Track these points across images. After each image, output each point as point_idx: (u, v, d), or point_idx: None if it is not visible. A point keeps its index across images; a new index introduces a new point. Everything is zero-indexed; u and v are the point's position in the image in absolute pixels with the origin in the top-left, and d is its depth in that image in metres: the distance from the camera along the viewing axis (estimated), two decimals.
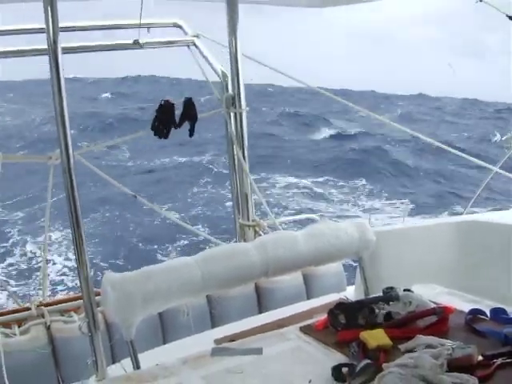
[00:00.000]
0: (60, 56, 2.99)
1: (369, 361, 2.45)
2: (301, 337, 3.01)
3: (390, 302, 3.08)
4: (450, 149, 5.24)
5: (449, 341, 2.59)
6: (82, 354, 4.08)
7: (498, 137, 33.11)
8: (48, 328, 4.43)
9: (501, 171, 5.46)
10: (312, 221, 5.63)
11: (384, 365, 2.40)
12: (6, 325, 4.50)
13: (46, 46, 3.02)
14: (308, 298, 4.93)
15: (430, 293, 3.39)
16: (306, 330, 3.08)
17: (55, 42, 2.97)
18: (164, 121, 4.77)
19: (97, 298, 3.35)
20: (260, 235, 5.22)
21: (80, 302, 4.59)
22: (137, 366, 3.05)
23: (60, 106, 3.03)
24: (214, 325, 4.66)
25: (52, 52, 2.98)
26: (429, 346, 2.54)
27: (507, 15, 4.79)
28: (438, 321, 2.92)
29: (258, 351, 2.86)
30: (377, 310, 2.99)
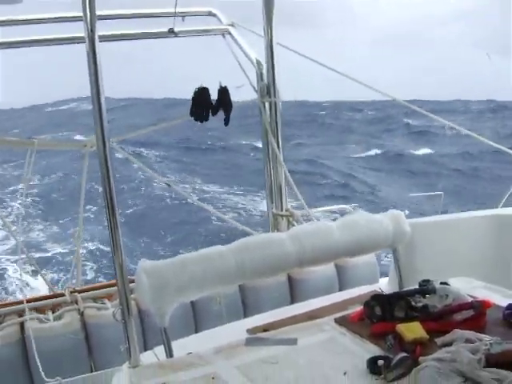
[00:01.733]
0: (97, 44, 2.99)
1: (405, 354, 2.42)
2: (336, 328, 2.99)
3: (427, 295, 3.04)
4: None
5: (486, 336, 2.55)
6: (114, 340, 4.11)
7: None
8: (81, 314, 4.48)
9: None
10: (345, 211, 5.59)
11: (421, 358, 2.38)
12: (40, 310, 4.56)
13: (82, 35, 3.03)
14: (340, 289, 4.90)
15: (467, 286, 3.35)
16: (340, 321, 3.06)
17: (93, 31, 2.97)
18: (201, 104, 4.76)
19: (130, 285, 3.37)
20: (293, 225, 5.20)
21: (112, 289, 4.65)
22: (170, 354, 3.06)
23: (97, 94, 3.04)
24: (246, 314, 4.67)
25: (90, 40, 2.98)
26: (466, 341, 2.51)
27: None
28: (476, 315, 2.87)
29: (293, 342, 2.84)
30: (413, 303, 2.96)
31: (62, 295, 4.67)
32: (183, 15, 5.11)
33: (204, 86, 4.72)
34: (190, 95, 4.74)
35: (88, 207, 16.34)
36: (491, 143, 5.46)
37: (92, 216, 17.26)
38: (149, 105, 55.12)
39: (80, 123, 32.24)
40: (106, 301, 4.67)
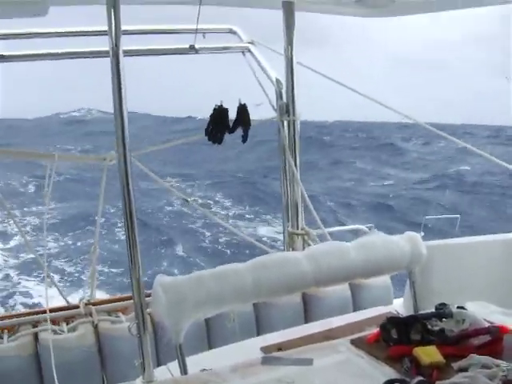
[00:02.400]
0: (121, 58, 3.03)
1: (422, 378, 2.42)
2: (352, 350, 2.99)
3: (443, 319, 3.04)
4: None
5: (503, 361, 2.55)
6: (127, 354, 4.13)
7: None
8: (95, 327, 4.50)
9: None
10: (361, 231, 5.58)
11: (438, 382, 2.38)
12: (55, 322, 4.57)
13: (106, 48, 3.07)
14: (354, 309, 4.89)
15: (484, 311, 3.33)
16: (357, 342, 3.06)
17: (117, 45, 3.01)
18: (218, 126, 4.77)
19: (146, 299, 3.38)
20: (309, 244, 5.20)
21: (127, 302, 4.66)
22: (184, 370, 3.06)
23: (119, 108, 3.07)
24: (259, 332, 4.66)
25: (114, 54, 3.02)
26: (483, 366, 2.50)
27: None
28: (492, 340, 2.86)
29: (309, 362, 2.84)
30: (430, 327, 2.95)
31: (77, 307, 4.69)
32: (204, 32, 5.15)
33: (223, 105, 4.74)
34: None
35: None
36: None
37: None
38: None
39: None
40: (121, 314, 4.68)
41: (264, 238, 17.39)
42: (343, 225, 13.54)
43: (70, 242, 18.18)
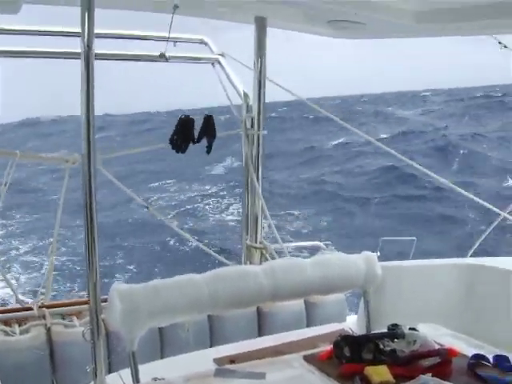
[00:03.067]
0: (93, 61, 3.02)
1: None
2: (304, 366, 3.02)
3: (395, 340, 3.09)
4: None
5: (451, 383, 2.60)
6: (79, 359, 4.09)
7: None
8: (48, 330, 4.43)
9: (509, 216, 5.47)
10: (319, 248, 5.63)
11: None
12: (7, 323, 4.51)
13: (77, 50, 3.06)
14: (308, 325, 4.92)
15: (434, 333, 3.40)
16: (309, 359, 3.09)
17: (89, 47, 3.00)
18: (182, 135, 4.79)
19: (102, 304, 3.36)
20: (266, 258, 5.23)
21: (81, 307, 4.61)
22: (137, 378, 3.05)
23: (87, 111, 3.05)
24: (212, 343, 4.66)
25: (85, 56, 3.01)
26: None
27: None
28: (442, 362, 2.93)
29: (261, 376, 2.87)
30: (382, 346, 3.00)
31: (30, 309, 4.62)
32: (175, 41, 5.15)
33: (189, 115, 4.76)
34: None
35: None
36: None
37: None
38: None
39: None
40: (74, 318, 4.63)
41: None
42: None
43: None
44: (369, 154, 27.99)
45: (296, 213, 21.02)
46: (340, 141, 33.82)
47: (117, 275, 15.00)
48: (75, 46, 3.25)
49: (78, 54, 3.02)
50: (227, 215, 21.67)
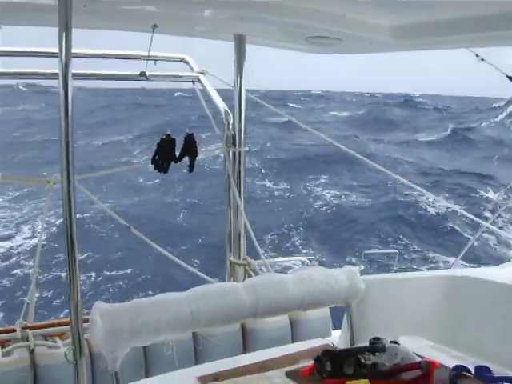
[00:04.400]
0: (70, 81, 3.03)
1: None
2: (286, 382, 3.02)
3: (376, 353, 3.10)
4: None
5: None
6: (63, 380, 4.07)
7: None
8: (31, 352, 4.40)
9: (492, 227, 5.53)
10: (302, 264, 5.65)
11: None
12: None
13: (56, 71, 3.07)
14: (293, 341, 4.91)
15: (416, 345, 3.42)
16: (291, 375, 3.09)
17: (67, 67, 3.02)
18: (164, 155, 4.81)
19: (84, 324, 3.35)
20: (250, 274, 5.24)
21: (65, 327, 4.59)
22: None
23: (66, 130, 3.06)
24: (198, 361, 4.64)
25: (63, 76, 3.02)
26: None
27: (507, 76, 4.90)
28: (423, 375, 2.94)
29: None
30: (363, 360, 3.01)
31: (13, 331, 4.59)
32: (155, 59, 5.17)
33: (170, 134, 4.78)
34: None
35: None
36: None
37: None
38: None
39: None
40: (58, 339, 4.61)
41: None
42: None
43: None
44: None
45: None
46: None
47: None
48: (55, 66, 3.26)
49: (57, 74, 3.05)
50: None
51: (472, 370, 3.07)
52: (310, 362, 3.11)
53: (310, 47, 4.83)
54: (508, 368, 3.11)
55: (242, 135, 5.34)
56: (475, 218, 5.82)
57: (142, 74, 5.25)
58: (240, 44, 5.19)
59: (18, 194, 22.20)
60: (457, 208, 5.86)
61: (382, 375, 2.93)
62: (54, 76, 3.40)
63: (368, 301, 4.14)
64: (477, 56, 4.75)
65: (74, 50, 3.07)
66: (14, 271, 14.87)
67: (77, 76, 3.26)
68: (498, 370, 3.06)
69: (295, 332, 5.08)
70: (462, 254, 5.68)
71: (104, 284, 14.53)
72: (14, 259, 15.88)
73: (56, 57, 3.05)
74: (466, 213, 6.05)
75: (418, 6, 3.44)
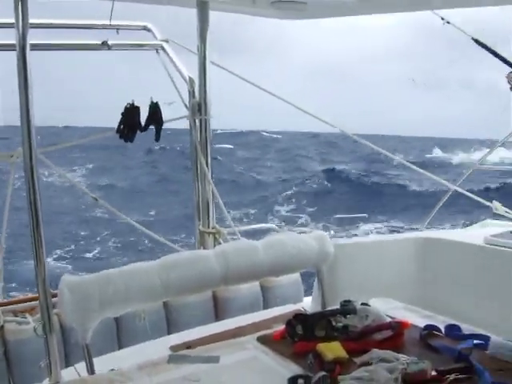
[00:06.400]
0: (28, 52, 2.96)
1: (324, 373, 2.46)
2: (258, 347, 3.02)
3: (347, 315, 3.11)
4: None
5: (404, 355, 2.63)
6: (34, 356, 4.02)
7: None
8: (1, 329, 4.36)
9: (460, 189, 5.57)
10: (272, 230, 5.65)
11: (339, 377, 2.43)
12: None
13: (13, 42, 3.00)
14: (265, 308, 4.92)
15: (387, 307, 3.44)
16: (263, 340, 3.09)
17: (24, 38, 2.94)
18: (129, 124, 4.74)
19: (53, 299, 3.31)
20: (220, 243, 5.21)
21: (34, 303, 4.53)
22: (91, 370, 3.02)
23: (25, 104, 3.00)
24: (170, 331, 4.63)
25: (20, 48, 2.95)
26: (384, 360, 2.58)
27: (473, 38, 4.91)
28: (394, 335, 2.96)
29: (215, 360, 2.86)
30: (334, 323, 3.02)
31: None
32: (117, 28, 5.08)
33: (134, 103, 4.70)
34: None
35: None
36: None
37: None
38: None
39: None
40: (28, 315, 4.56)
41: None
42: None
43: None
44: None
45: None
46: None
47: None
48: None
49: (13, 45, 2.98)
50: None
51: (442, 329, 3.10)
52: (282, 327, 3.11)
53: (275, 12, 4.76)
54: (477, 325, 3.14)
55: (208, 103, 5.28)
56: (443, 181, 5.85)
57: (104, 44, 5.15)
58: (203, 11, 5.11)
59: None
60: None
61: (353, 337, 2.94)
62: (11, 47, 3.31)
63: (338, 265, 4.16)
64: (442, 19, 4.75)
65: (31, 21, 3.00)
66: None
67: (35, 47, 3.17)
68: (467, 328, 3.09)
69: (267, 299, 5.08)
70: (431, 216, 5.73)
71: None
72: None
73: (12, 27, 2.98)
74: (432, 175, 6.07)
75: None
